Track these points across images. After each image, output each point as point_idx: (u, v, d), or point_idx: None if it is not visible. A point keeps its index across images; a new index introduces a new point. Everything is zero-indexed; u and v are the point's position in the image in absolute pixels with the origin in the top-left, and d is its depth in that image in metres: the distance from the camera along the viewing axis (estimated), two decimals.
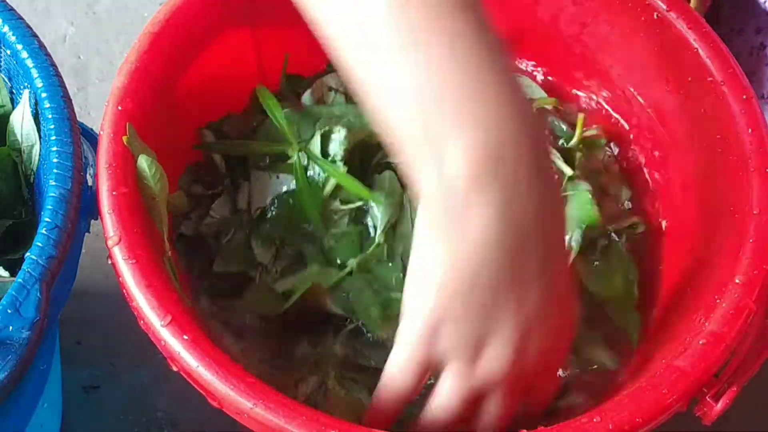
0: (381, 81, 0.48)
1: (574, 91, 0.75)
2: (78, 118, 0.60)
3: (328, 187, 0.66)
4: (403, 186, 0.66)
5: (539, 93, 0.75)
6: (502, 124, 0.48)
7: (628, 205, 0.72)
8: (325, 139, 0.66)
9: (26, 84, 0.60)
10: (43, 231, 0.54)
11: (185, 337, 0.53)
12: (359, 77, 0.49)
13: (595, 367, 0.65)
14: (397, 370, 0.53)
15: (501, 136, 0.47)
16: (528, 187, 0.48)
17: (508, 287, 0.50)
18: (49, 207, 0.55)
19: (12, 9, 0.62)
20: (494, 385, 0.53)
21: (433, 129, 0.47)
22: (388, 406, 0.54)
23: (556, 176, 0.58)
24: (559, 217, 0.52)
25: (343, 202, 0.66)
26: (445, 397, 0.53)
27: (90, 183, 0.59)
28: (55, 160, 0.56)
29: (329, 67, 0.73)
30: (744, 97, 0.62)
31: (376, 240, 0.65)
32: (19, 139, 0.62)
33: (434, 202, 0.49)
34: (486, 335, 0.51)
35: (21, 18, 0.61)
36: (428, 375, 0.53)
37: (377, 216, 0.66)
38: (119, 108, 0.60)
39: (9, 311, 0.51)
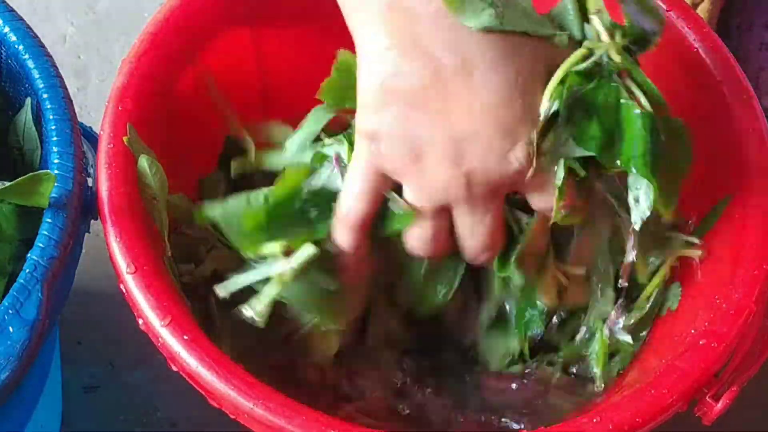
0: None
1: None
2: (78, 118, 0.60)
3: None
4: None
5: None
6: None
7: None
8: None
9: (27, 85, 0.60)
10: (45, 232, 0.54)
11: (185, 337, 0.53)
12: None
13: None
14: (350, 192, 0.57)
15: None
16: None
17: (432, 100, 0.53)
18: (50, 207, 0.55)
19: (12, 10, 0.62)
20: (451, 197, 0.54)
21: None
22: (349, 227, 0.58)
23: None
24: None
25: None
26: (411, 224, 0.56)
27: (90, 183, 0.59)
28: (56, 161, 0.56)
29: None
30: (744, 97, 0.62)
31: None
32: (21, 142, 0.62)
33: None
34: (419, 146, 0.53)
35: (21, 19, 0.62)
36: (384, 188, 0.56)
37: None
38: (119, 108, 0.60)
39: (10, 312, 0.51)
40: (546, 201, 0.56)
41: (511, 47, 0.53)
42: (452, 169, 0.53)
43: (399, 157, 0.54)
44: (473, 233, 0.56)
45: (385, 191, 0.56)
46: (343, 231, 0.58)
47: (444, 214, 0.56)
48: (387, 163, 0.55)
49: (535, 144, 0.53)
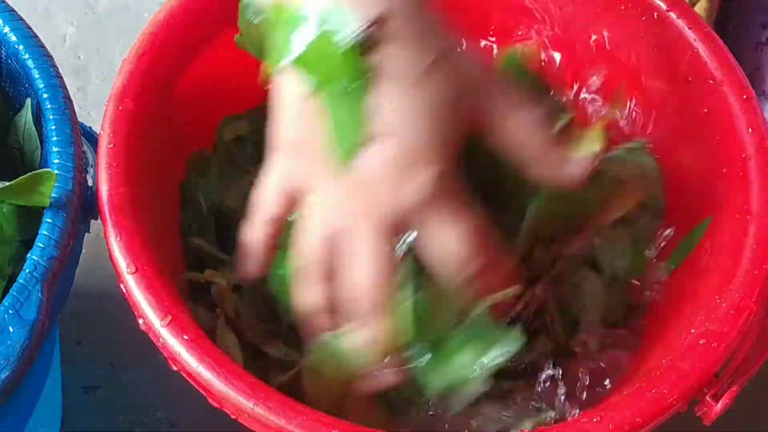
0: None
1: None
2: (78, 118, 0.60)
3: None
4: None
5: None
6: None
7: None
8: None
9: (27, 85, 0.61)
10: (44, 231, 0.54)
11: (185, 337, 0.53)
12: None
13: None
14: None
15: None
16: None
17: None
18: (50, 207, 0.55)
19: (12, 10, 0.62)
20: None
21: None
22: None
23: None
24: None
25: None
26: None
27: (90, 183, 0.59)
28: (56, 161, 0.56)
29: None
30: (744, 97, 0.62)
31: None
32: (21, 142, 0.62)
33: None
34: None
35: (21, 19, 0.62)
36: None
37: None
38: (119, 108, 0.60)
39: (10, 312, 0.51)
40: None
41: None
42: None
43: None
44: None
45: None
46: None
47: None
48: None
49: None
